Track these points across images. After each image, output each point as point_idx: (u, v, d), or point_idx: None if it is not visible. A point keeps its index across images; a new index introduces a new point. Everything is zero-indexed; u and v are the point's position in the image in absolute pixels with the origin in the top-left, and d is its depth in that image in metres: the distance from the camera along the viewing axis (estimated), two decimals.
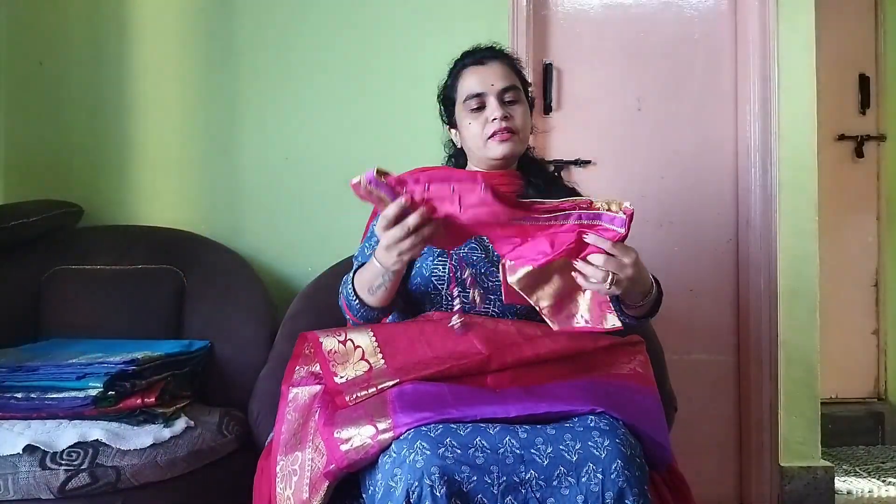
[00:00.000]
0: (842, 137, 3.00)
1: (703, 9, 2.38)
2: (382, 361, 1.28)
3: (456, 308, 1.35)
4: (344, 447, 1.16)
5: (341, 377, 1.28)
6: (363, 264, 1.39)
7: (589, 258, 1.20)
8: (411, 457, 1.08)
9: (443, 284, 1.40)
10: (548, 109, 2.34)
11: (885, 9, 3.00)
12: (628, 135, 2.35)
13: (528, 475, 1.09)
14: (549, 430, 1.14)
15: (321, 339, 1.33)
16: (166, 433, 1.52)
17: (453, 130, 1.56)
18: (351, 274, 1.41)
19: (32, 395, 1.52)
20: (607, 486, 1.08)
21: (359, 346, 1.31)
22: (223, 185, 2.21)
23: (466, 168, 1.57)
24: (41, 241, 1.97)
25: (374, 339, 1.32)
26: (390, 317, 1.53)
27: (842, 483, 2.48)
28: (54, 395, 1.51)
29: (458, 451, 1.08)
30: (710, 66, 2.38)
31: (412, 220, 1.14)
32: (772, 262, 2.26)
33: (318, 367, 1.33)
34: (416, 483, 1.05)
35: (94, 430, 1.46)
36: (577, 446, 1.11)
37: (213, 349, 1.84)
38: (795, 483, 2.24)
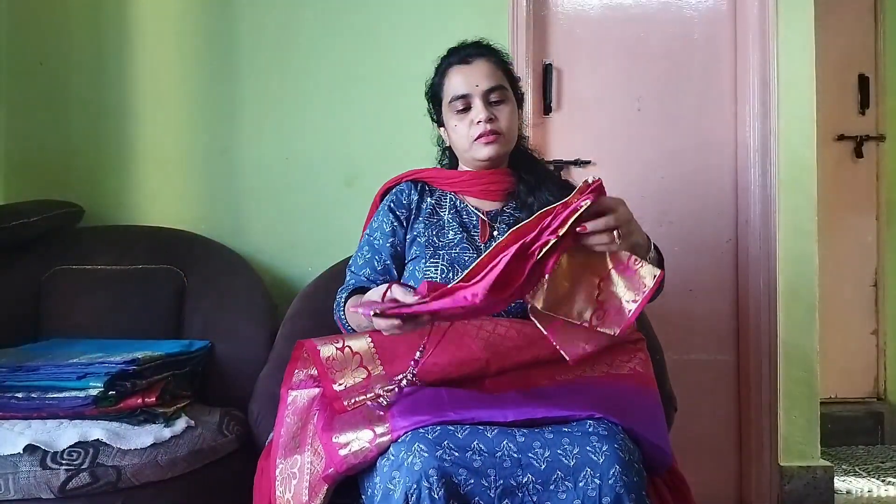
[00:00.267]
0: (841, 137, 3.00)
1: (702, 9, 2.38)
2: (381, 368, 1.28)
3: None
4: (343, 452, 1.16)
5: (340, 384, 1.27)
6: (357, 289, 1.41)
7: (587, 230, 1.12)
8: (409, 459, 1.08)
9: None
10: (548, 110, 2.34)
11: (884, 9, 3.00)
12: (628, 135, 2.35)
13: (526, 479, 1.08)
14: (547, 434, 1.14)
15: (319, 347, 1.32)
16: (167, 433, 1.52)
17: (442, 129, 1.55)
18: (343, 297, 1.43)
19: (33, 395, 1.52)
20: (605, 492, 1.08)
21: (357, 353, 1.30)
22: (223, 185, 2.21)
23: (458, 168, 1.57)
24: (41, 241, 1.97)
25: (371, 344, 1.31)
26: None
27: (841, 483, 2.48)
28: (55, 395, 1.51)
29: (456, 454, 1.08)
30: (710, 67, 2.38)
31: (409, 325, 1.13)
32: (771, 261, 2.26)
33: (316, 371, 1.33)
34: (415, 485, 1.05)
35: (95, 430, 1.46)
36: (576, 451, 1.11)
37: (213, 349, 1.84)
38: (795, 483, 2.24)
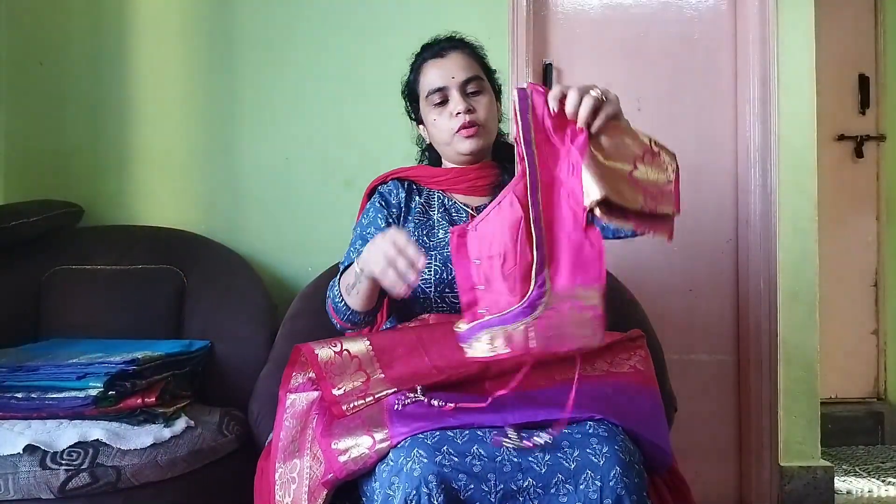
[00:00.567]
0: (842, 137, 3.00)
1: (702, 9, 2.38)
2: (380, 372, 1.26)
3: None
4: (342, 458, 1.15)
5: (339, 388, 1.25)
6: (348, 266, 1.39)
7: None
8: (408, 465, 1.07)
9: (430, 287, 1.39)
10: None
11: (885, 9, 3.00)
12: None
13: (526, 483, 1.07)
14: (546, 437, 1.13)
15: (316, 351, 1.30)
16: (166, 433, 1.52)
17: (421, 126, 1.54)
18: (338, 277, 1.41)
19: (33, 395, 1.52)
20: (606, 494, 1.07)
21: (355, 357, 1.28)
22: (223, 185, 2.21)
23: (442, 166, 1.55)
24: (41, 241, 1.97)
25: (370, 347, 1.29)
26: (387, 322, 1.53)
27: (841, 483, 2.48)
28: (54, 395, 1.51)
29: (455, 459, 1.07)
30: (710, 67, 2.38)
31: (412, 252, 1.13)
32: (771, 261, 2.26)
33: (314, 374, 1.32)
34: (414, 491, 1.04)
35: (95, 430, 1.46)
36: (576, 453, 1.10)
37: (213, 349, 1.84)
38: (795, 483, 2.24)
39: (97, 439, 1.44)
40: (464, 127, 1.42)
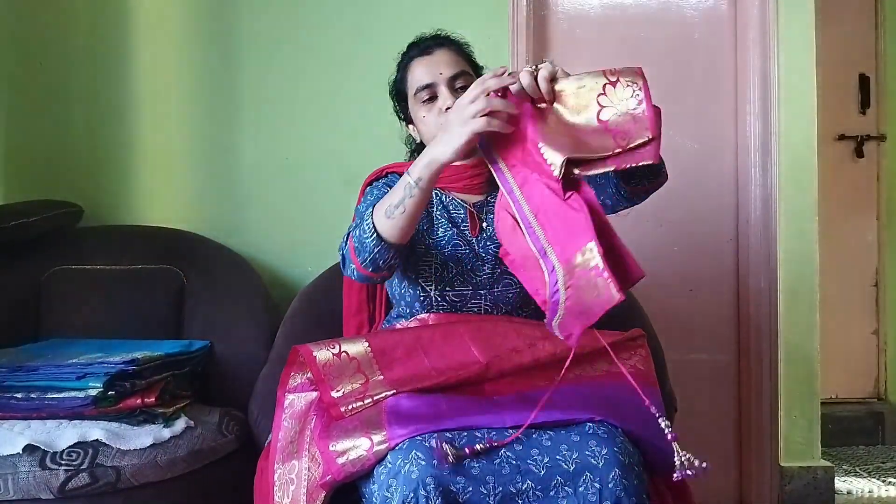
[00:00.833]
0: (842, 137, 3.00)
1: (703, 9, 2.38)
2: (379, 374, 1.25)
3: None
4: (340, 460, 1.15)
5: (337, 391, 1.25)
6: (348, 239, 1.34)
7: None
8: (406, 467, 1.07)
9: (430, 285, 1.39)
10: None
11: (885, 9, 3.00)
12: None
13: (525, 485, 1.07)
14: (545, 440, 1.13)
15: (315, 353, 1.29)
16: (166, 433, 1.52)
17: (411, 126, 1.54)
18: (370, 210, 1.30)
19: (32, 395, 1.52)
20: (605, 496, 1.07)
21: (354, 358, 1.27)
22: (223, 185, 2.21)
23: None
24: (41, 241, 1.97)
25: (369, 348, 1.28)
26: (384, 323, 1.52)
27: (842, 483, 2.48)
28: (54, 395, 1.51)
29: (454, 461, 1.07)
30: (711, 67, 2.37)
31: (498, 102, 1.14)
32: (772, 261, 2.26)
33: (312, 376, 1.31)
34: (412, 494, 1.04)
35: (94, 430, 1.46)
36: (575, 455, 1.10)
37: (213, 349, 1.84)
38: (795, 483, 2.24)
39: (97, 439, 1.44)
40: None
